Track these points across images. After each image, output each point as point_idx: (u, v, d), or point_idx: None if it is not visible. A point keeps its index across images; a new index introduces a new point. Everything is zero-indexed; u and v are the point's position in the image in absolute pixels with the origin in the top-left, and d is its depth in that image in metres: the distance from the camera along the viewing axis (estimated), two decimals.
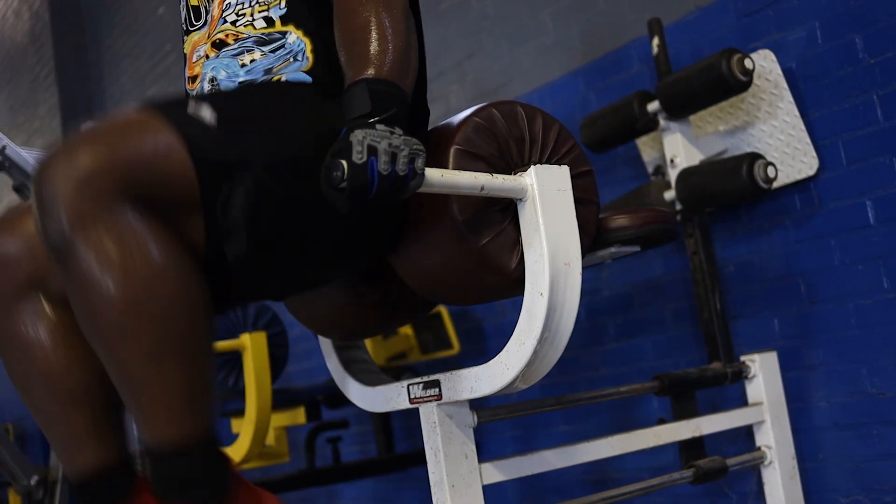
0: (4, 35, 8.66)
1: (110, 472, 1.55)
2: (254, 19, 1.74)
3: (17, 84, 8.39)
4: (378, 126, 1.47)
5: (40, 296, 1.57)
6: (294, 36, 1.72)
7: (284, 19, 1.72)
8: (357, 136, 1.44)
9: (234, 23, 1.75)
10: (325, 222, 1.62)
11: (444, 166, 1.72)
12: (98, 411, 1.56)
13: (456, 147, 1.74)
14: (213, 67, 1.75)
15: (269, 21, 1.73)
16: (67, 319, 1.55)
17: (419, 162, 1.48)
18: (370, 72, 1.57)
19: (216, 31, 1.76)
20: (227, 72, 1.73)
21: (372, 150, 1.43)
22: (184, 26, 1.89)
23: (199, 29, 1.84)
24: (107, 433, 1.56)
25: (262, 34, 1.73)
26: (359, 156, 1.42)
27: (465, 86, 4.02)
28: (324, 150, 1.52)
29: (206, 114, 1.51)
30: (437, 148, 1.75)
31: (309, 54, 1.71)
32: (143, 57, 6.68)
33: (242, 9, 1.75)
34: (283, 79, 1.70)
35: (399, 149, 1.45)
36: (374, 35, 1.61)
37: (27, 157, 4.31)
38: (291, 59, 1.71)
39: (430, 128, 1.89)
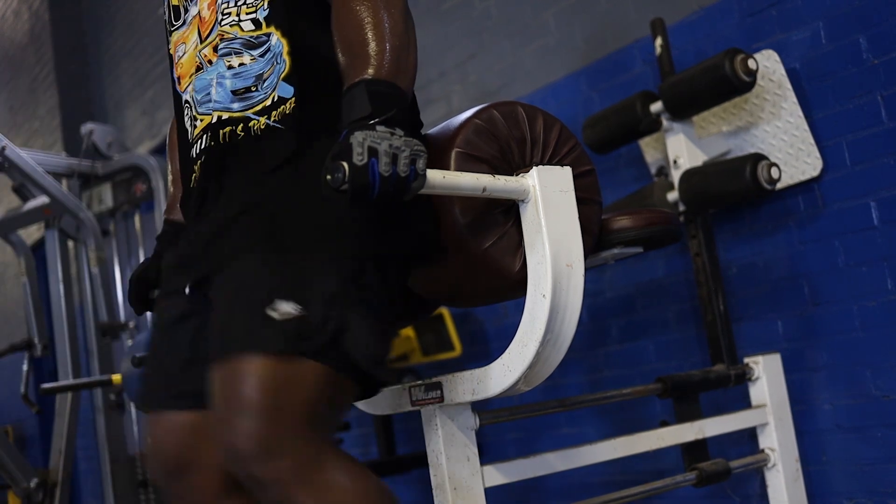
0: (4, 35, 8.64)
1: None
2: (240, 20, 1.72)
3: (16, 84, 8.37)
4: (378, 128, 1.46)
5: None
6: (275, 37, 1.70)
7: (268, 21, 1.71)
8: (357, 137, 1.43)
9: (219, 22, 1.74)
10: (395, 279, 1.71)
11: (446, 170, 1.70)
12: None
13: (457, 150, 1.73)
14: (206, 84, 1.74)
15: (257, 23, 1.71)
16: None
17: (420, 163, 1.47)
18: (369, 72, 1.55)
19: (212, 32, 1.75)
20: (218, 86, 1.72)
21: (372, 152, 1.42)
22: (167, 27, 1.88)
23: (178, 28, 1.83)
24: None
25: (251, 37, 1.71)
26: (359, 157, 1.41)
27: (467, 86, 4.01)
28: (348, 227, 1.61)
29: (290, 309, 1.53)
30: (437, 151, 1.74)
31: (286, 56, 1.69)
32: (143, 57, 6.67)
33: (227, 8, 1.74)
34: (266, 123, 1.68)
35: (400, 150, 1.44)
36: (371, 34, 1.59)
37: (26, 157, 4.31)
38: (275, 63, 1.69)
39: (431, 129, 1.87)
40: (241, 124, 1.69)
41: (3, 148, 4.16)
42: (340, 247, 1.60)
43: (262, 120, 1.67)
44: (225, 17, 1.73)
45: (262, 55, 1.70)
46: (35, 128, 7.83)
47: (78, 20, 7.61)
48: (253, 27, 1.71)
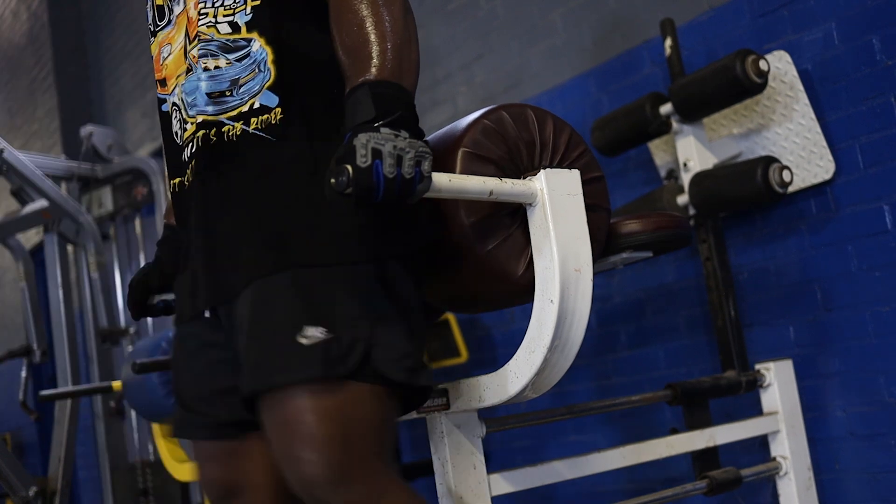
0: (2, 36, 8.64)
1: None
2: (217, 22, 1.67)
3: (15, 86, 8.37)
4: (382, 129, 1.43)
5: None
6: (258, 44, 1.65)
7: (250, 26, 1.66)
8: (361, 139, 1.40)
9: (197, 22, 1.69)
10: (415, 278, 1.68)
11: (452, 169, 1.69)
12: None
13: (464, 149, 1.71)
14: (194, 86, 1.69)
15: (235, 27, 1.66)
16: None
17: (426, 165, 1.44)
18: (372, 73, 1.52)
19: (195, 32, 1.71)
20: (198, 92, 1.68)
21: (376, 154, 1.39)
22: (150, 27, 1.84)
23: (163, 28, 1.79)
24: None
25: (227, 40, 1.66)
26: (363, 159, 1.38)
27: (473, 87, 3.98)
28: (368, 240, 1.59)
29: (318, 333, 1.52)
30: (444, 150, 1.72)
31: (271, 65, 1.64)
32: (144, 58, 6.65)
33: (205, 8, 1.69)
34: (244, 129, 1.63)
35: (404, 151, 1.41)
36: (372, 33, 1.56)
37: (25, 160, 4.28)
38: (256, 70, 1.64)
39: (436, 130, 1.85)
40: (215, 128, 1.64)
41: (2, 150, 4.14)
42: (356, 253, 1.57)
43: (238, 126, 1.63)
44: (202, 17, 1.68)
45: (239, 59, 1.65)
46: (34, 130, 7.83)
47: (77, 21, 7.60)
48: (230, 30, 1.66)
